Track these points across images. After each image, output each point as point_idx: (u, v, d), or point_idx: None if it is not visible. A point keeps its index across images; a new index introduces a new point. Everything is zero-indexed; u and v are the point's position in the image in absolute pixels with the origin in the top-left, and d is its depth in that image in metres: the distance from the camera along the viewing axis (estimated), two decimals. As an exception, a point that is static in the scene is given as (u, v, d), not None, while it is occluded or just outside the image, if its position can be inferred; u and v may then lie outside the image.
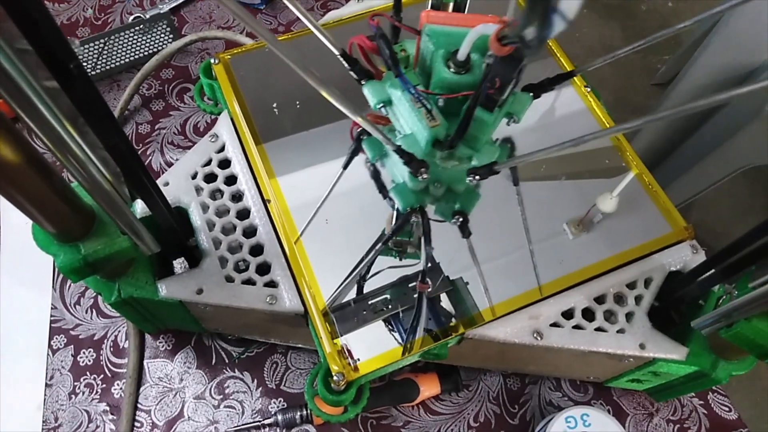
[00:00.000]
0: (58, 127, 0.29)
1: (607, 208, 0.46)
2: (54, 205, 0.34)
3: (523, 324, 0.42)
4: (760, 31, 0.88)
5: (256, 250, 0.44)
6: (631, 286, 0.44)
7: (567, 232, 0.46)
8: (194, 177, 0.47)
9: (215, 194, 0.46)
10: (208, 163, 0.47)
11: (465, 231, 0.35)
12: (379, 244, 0.43)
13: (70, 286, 0.55)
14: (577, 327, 0.43)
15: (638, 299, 0.44)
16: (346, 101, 0.26)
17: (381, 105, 0.32)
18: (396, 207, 0.42)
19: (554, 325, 0.43)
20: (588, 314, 0.44)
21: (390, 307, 0.43)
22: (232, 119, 0.49)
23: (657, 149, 1.10)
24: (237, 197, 0.46)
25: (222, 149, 0.48)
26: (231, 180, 0.47)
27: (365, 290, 0.43)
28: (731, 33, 0.92)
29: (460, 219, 0.34)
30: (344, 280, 0.43)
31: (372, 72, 0.32)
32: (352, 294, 0.43)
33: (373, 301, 0.43)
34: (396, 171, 0.34)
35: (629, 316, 0.44)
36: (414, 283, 0.44)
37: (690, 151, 1.03)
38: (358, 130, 0.34)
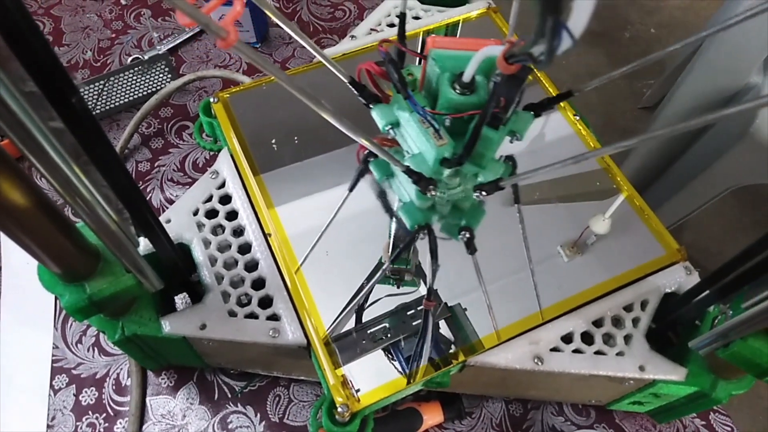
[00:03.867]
0: (62, 165, 0.29)
1: (600, 229, 0.47)
2: (60, 246, 0.35)
3: (524, 349, 0.43)
4: (740, 56, 0.91)
5: (258, 284, 0.45)
6: (628, 308, 0.45)
7: (562, 255, 0.47)
8: (196, 213, 0.47)
9: (217, 230, 0.47)
10: (209, 199, 0.48)
11: (471, 246, 0.35)
12: (380, 271, 0.44)
13: (71, 324, 0.55)
14: (577, 351, 0.43)
15: (636, 322, 0.45)
16: (354, 127, 0.27)
17: (389, 127, 0.33)
18: (392, 234, 0.42)
19: (554, 349, 0.43)
20: (587, 338, 0.44)
21: (389, 335, 0.43)
22: (231, 156, 0.50)
23: (647, 172, 1.13)
24: (238, 232, 0.47)
25: (222, 185, 0.49)
26: (232, 215, 0.48)
27: (364, 319, 0.44)
28: (713, 58, 0.95)
29: (467, 235, 0.35)
30: (342, 310, 0.43)
31: (380, 96, 0.33)
32: (351, 323, 0.43)
33: (372, 330, 0.43)
34: (403, 191, 0.35)
35: (627, 339, 0.44)
36: (412, 311, 0.44)
37: (679, 173, 1.05)
38: (365, 152, 0.35)
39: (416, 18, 0.62)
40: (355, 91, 0.33)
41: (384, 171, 0.35)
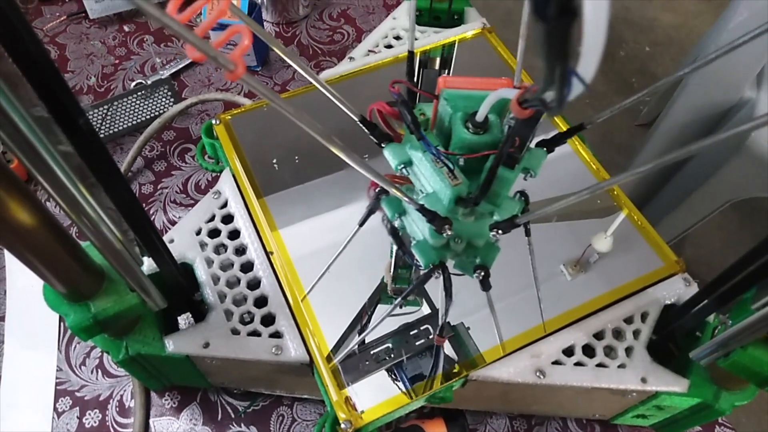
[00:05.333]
0: (70, 186, 0.30)
1: (602, 247, 0.47)
2: (66, 266, 0.36)
3: (526, 363, 0.43)
4: (734, 71, 0.92)
5: (261, 301, 0.45)
6: (629, 320, 0.45)
7: (565, 274, 0.48)
8: (198, 233, 0.48)
9: (219, 249, 0.48)
10: (212, 219, 0.49)
11: (486, 285, 0.35)
12: (397, 301, 0.43)
13: (75, 347, 0.56)
14: (578, 364, 0.44)
15: (636, 333, 0.45)
16: (367, 165, 0.27)
17: (402, 166, 0.33)
18: (394, 254, 0.43)
19: (556, 362, 0.43)
20: (588, 350, 0.44)
21: (392, 356, 0.43)
22: (233, 176, 0.51)
23: (646, 187, 1.13)
24: (240, 251, 0.48)
25: (225, 205, 0.50)
26: (234, 234, 0.49)
27: (368, 339, 0.44)
28: (707, 73, 0.96)
29: (482, 273, 0.34)
30: (344, 333, 0.43)
31: (391, 135, 0.33)
32: (354, 342, 0.44)
33: (375, 350, 0.44)
34: (416, 228, 0.34)
35: (629, 351, 0.44)
36: (415, 331, 0.44)
37: (677, 188, 1.06)
38: (377, 189, 0.35)
39: (413, 39, 0.63)
40: (366, 130, 0.33)
41: (396, 208, 0.35)
